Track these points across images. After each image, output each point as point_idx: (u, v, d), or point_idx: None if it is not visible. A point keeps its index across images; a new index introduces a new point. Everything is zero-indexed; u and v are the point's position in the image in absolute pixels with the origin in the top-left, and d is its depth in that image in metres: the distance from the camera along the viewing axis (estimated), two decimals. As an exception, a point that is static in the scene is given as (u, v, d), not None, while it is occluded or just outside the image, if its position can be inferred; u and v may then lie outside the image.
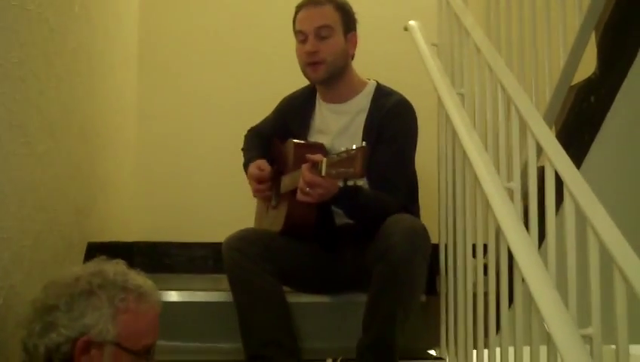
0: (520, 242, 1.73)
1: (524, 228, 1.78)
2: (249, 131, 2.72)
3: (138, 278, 1.51)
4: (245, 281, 2.21)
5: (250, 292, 2.20)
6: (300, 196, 2.08)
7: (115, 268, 1.50)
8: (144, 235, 3.45)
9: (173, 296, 2.48)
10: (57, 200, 2.14)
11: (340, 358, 1.76)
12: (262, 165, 2.46)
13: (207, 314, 2.45)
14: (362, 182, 2.23)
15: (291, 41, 2.46)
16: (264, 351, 2.13)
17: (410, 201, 2.42)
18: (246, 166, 2.55)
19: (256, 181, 2.44)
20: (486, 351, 2.05)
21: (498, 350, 1.97)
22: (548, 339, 1.64)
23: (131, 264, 3.37)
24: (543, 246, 1.79)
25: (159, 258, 3.44)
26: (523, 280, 1.69)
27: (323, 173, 1.94)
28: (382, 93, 2.44)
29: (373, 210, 2.22)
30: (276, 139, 2.56)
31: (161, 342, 2.35)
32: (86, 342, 1.40)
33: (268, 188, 2.45)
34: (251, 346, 2.16)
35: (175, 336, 2.39)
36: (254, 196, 2.56)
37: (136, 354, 1.45)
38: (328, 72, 2.38)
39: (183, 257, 3.43)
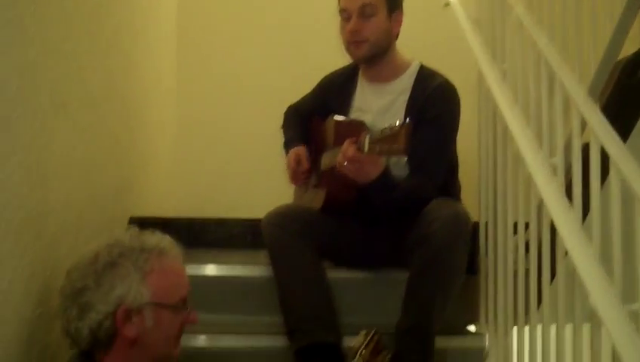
0: (563, 216, 1.71)
1: (567, 202, 1.75)
2: (288, 109, 2.71)
3: (153, 237, 1.52)
4: (285, 257, 2.23)
5: (291, 267, 2.21)
6: (341, 168, 2.05)
7: (129, 233, 1.52)
8: (182, 211, 3.49)
9: (211, 270, 2.51)
10: (99, 175, 2.17)
11: (375, 330, 1.75)
12: (301, 156, 2.47)
13: (245, 288, 2.47)
14: (404, 160, 2.22)
15: (333, 19, 2.45)
16: (304, 326, 2.14)
17: (450, 181, 2.41)
18: (285, 145, 2.56)
19: (294, 173, 2.47)
20: (527, 328, 2.03)
21: (539, 327, 1.95)
22: (592, 316, 1.62)
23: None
24: (586, 221, 1.76)
25: (197, 234, 3.45)
26: (566, 254, 1.67)
27: (365, 149, 1.92)
28: (425, 75, 2.42)
29: (411, 202, 2.21)
30: (316, 116, 2.56)
31: (199, 315, 2.43)
32: (125, 312, 1.42)
33: (305, 177, 2.45)
34: (291, 320, 2.18)
35: (214, 310, 2.40)
36: (292, 182, 2.56)
37: (175, 307, 1.47)
38: (371, 51, 2.36)
39: (221, 233, 3.44)
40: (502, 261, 2.23)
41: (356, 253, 2.39)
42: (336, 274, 2.36)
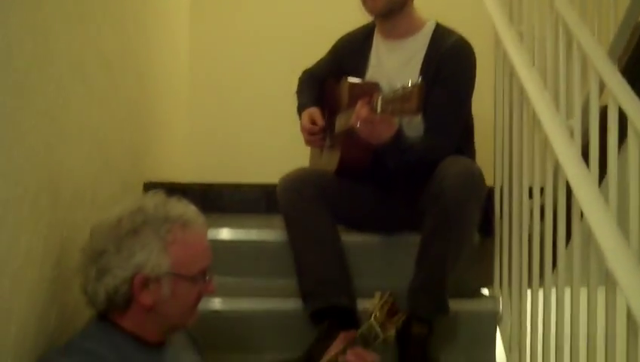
0: (579, 177, 1.71)
1: (584, 163, 1.74)
2: (303, 74, 2.69)
3: (179, 206, 1.50)
4: (300, 221, 2.23)
5: (306, 231, 2.22)
6: (355, 129, 2.04)
7: (155, 200, 1.50)
8: (197, 176, 3.49)
9: (226, 234, 2.52)
10: (114, 140, 2.17)
11: (389, 292, 1.76)
12: (315, 116, 2.45)
13: (260, 252, 2.49)
14: (418, 120, 2.21)
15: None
16: (319, 289, 2.16)
17: (465, 143, 2.39)
18: (299, 110, 2.55)
19: (308, 133, 2.44)
20: (541, 292, 2.04)
21: (553, 290, 1.95)
22: (606, 279, 1.62)
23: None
24: (603, 183, 1.75)
25: (212, 199, 3.46)
26: (582, 216, 1.67)
27: (379, 109, 1.91)
28: (441, 33, 2.39)
29: (423, 164, 2.20)
30: (331, 79, 2.54)
31: (214, 279, 2.45)
32: (142, 279, 1.42)
33: (320, 140, 2.45)
34: (306, 284, 2.20)
35: (229, 273, 2.41)
36: (307, 144, 2.56)
37: (194, 278, 1.48)
38: (387, 6, 2.34)
39: (236, 198, 3.45)
40: (517, 224, 2.23)
41: (371, 217, 2.39)
42: (350, 238, 2.38)
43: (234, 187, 3.40)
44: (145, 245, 1.43)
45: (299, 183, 2.27)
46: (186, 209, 1.51)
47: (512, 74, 2.24)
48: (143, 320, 1.46)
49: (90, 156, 1.89)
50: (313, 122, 2.45)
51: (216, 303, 2.26)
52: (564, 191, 1.85)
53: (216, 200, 3.44)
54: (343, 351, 1.63)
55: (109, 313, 1.47)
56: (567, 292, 1.88)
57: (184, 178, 3.43)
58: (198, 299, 1.52)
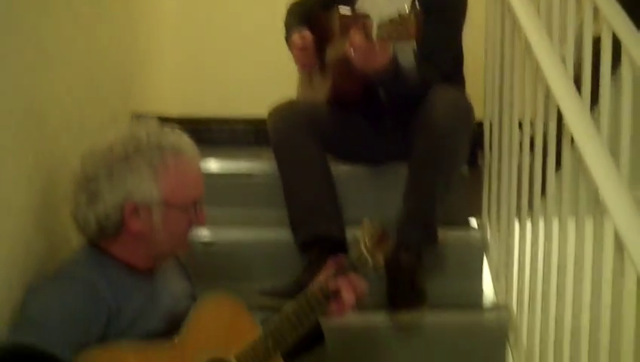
0: (571, 103, 1.70)
1: (575, 90, 1.73)
2: (291, 4, 2.64)
3: (172, 135, 1.48)
4: (290, 151, 2.23)
5: (295, 160, 2.22)
6: (348, 57, 2.01)
7: (148, 128, 1.47)
8: (185, 110, 3.44)
9: (214, 165, 2.52)
10: (101, 68, 2.13)
11: (378, 220, 1.77)
12: (305, 34, 2.40)
13: (249, 184, 2.50)
14: (410, 51, 2.18)
15: None
16: (308, 219, 2.17)
17: (454, 73, 2.37)
18: (288, 39, 2.50)
19: (299, 49, 2.38)
20: (529, 222, 2.05)
21: (541, 221, 1.96)
22: (595, 206, 1.62)
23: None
24: (595, 111, 1.75)
25: (200, 132, 3.42)
26: (572, 142, 1.67)
27: (374, 35, 1.87)
28: None
29: (417, 89, 2.18)
30: (319, 10, 2.49)
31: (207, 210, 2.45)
32: (133, 207, 1.41)
33: (312, 57, 2.40)
34: (296, 214, 2.20)
35: (217, 204, 2.35)
36: (299, 70, 2.52)
37: (184, 208, 1.47)
38: None
39: (225, 131, 3.44)
40: (506, 156, 2.24)
41: (361, 148, 2.39)
42: (340, 169, 2.37)
43: (222, 120, 3.40)
44: (136, 172, 1.42)
45: (289, 112, 2.25)
46: (179, 138, 1.49)
47: (503, 1, 2.21)
48: (133, 247, 1.46)
49: (76, 84, 1.86)
50: (303, 38, 2.38)
51: (206, 233, 2.26)
52: (555, 120, 1.85)
53: (205, 133, 3.41)
54: (333, 276, 1.64)
55: (100, 240, 1.46)
56: (556, 222, 1.89)
57: (172, 111, 3.39)
58: (189, 229, 1.51)
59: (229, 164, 2.56)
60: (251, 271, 2.27)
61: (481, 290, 2.33)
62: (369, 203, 2.42)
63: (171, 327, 1.44)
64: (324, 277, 1.64)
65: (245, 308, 1.54)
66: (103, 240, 1.46)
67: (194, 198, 1.49)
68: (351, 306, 1.63)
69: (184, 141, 1.49)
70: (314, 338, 1.69)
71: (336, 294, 1.62)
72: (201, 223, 1.52)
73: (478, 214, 2.48)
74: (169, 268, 1.61)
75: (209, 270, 2.20)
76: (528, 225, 2.06)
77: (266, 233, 2.32)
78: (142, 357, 1.35)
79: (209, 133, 3.36)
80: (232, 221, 2.38)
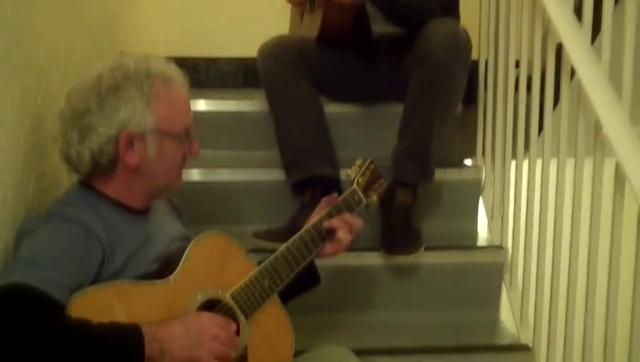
0: (572, 33, 1.65)
1: (576, 20, 1.68)
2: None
3: (160, 63, 1.44)
4: (281, 88, 2.17)
5: (287, 99, 2.17)
6: None
7: (134, 57, 1.43)
8: (172, 50, 3.35)
9: (203, 106, 2.47)
10: (87, 5, 2.06)
11: (371, 159, 1.74)
12: None
13: (239, 124, 2.46)
14: None
15: None
16: (301, 159, 2.13)
17: (450, 9, 2.30)
18: None
19: None
20: (526, 162, 2.03)
21: (539, 161, 1.94)
22: (595, 137, 1.59)
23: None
24: (596, 41, 1.71)
25: (188, 73, 3.36)
26: (572, 74, 1.63)
27: None
28: None
29: (414, 10, 2.11)
30: None
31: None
32: (128, 136, 1.37)
33: None
34: (288, 153, 2.16)
35: (208, 145, 2.32)
36: (290, 8, 2.45)
37: (178, 136, 1.43)
38: None
39: (212, 72, 3.37)
40: (502, 93, 2.20)
41: (354, 86, 2.33)
42: (333, 109, 2.34)
43: (209, 61, 3.32)
44: (128, 100, 1.38)
45: (279, 50, 2.19)
46: (167, 65, 1.45)
47: None
48: (128, 184, 1.42)
49: (62, 17, 1.79)
50: None
51: (195, 174, 2.23)
52: (554, 54, 1.81)
53: (192, 74, 3.34)
54: (328, 216, 1.61)
55: (92, 179, 1.42)
56: (553, 162, 1.87)
57: (159, 51, 3.31)
58: (183, 160, 1.48)
59: (217, 104, 2.50)
60: (244, 214, 2.24)
61: (476, 230, 2.32)
62: (363, 143, 2.39)
63: (165, 268, 1.41)
64: (318, 217, 1.61)
65: (241, 248, 1.52)
66: (97, 178, 1.42)
67: (186, 126, 1.45)
68: (346, 245, 1.62)
69: (172, 68, 1.46)
70: (309, 278, 1.67)
71: (331, 233, 1.60)
72: (195, 153, 1.49)
73: (473, 154, 2.46)
74: (163, 209, 1.58)
75: (200, 212, 2.17)
76: (525, 165, 2.04)
77: (258, 174, 2.27)
78: (137, 296, 1.33)
79: (196, 74, 3.30)
80: (222, 162, 2.35)
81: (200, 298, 1.39)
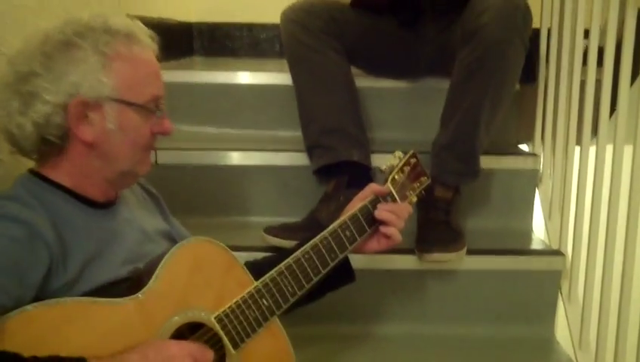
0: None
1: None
2: None
3: (123, 19, 1.20)
4: (305, 59, 1.90)
5: (311, 71, 1.90)
6: None
7: (90, 12, 1.19)
8: (204, 15, 3.16)
9: (223, 77, 2.22)
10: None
11: (413, 152, 1.46)
12: None
13: (262, 99, 2.20)
14: None
15: None
16: (325, 140, 1.85)
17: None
18: None
19: None
20: (593, 148, 1.73)
21: (609, 147, 1.66)
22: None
23: (191, 47, 3.10)
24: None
25: (221, 40, 3.17)
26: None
27: None
28: None
29: None
30: None
31: (210, 129, 2.16)
32: (80, 105, 1.12)
33: None
34: (311, 134, 1.89)
35: (228, 123, 2.18)
36: None
37: (143, 108, 1.17)
38: None
39: (247, 40, 3.15)
40: (567, 69, 1.93)
41: (392, 58, 2.05)
42: (367, 83, 2.08)
43: (244, 27, 3.16)
44: (80, 61, 1.13)
45: (305, 14, 1.90)
46: (131, 23, 1.19)
47: None
48: (84, 167, 1.16)
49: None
50: None
51: (203, 157, 1.99)
52: (634, 20, 1.54)
53: (225, 41, 3.17)
54: (372, 205, 1.37)
55: (43, 166, 1.18)
56: (628, 149, 1.60)
57: (189, 18, 3.09)
58: (151, 139, 1.21)
59: (242, 76, 2.22)
60: (257, 204, 1.99)
61: (531, 231, 2.02)
62: (402, 124, 2.14)
63: (138, 277, 1.15)
64: (362, 203, 1.39)
65: (235, 259, 1.23)
66: (48, 163, 1.17)
67: (154, 95, 1.19)
68: (397, 241, 1.41)
69: (138, 26, 1.19)
70: (341, 275, 1.43)
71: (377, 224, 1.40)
72: (166, 132, 1.22)
73: (530, 139, 2.16)
74: (135, 200, 1.32)
75: (206, 201, 1.97)
76: (592, 152, 1.75)
77: (277, 158, 2.00)
78: (93, 318, 1.06)
79: (229, 41, 3.17)
80: (233, 143, 2.10)
81: (177, 320, 1.12)
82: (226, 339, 1.15)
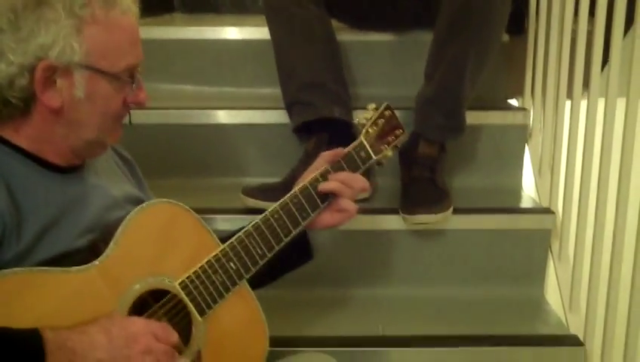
0: None
1: None
2: None
3: None
4: (283, 10, 1.81)
5: (289, 24, 1.80)
6: None
7: None
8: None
9: (200, 33, 2.14)
10: None
11: (386, 104, 1.37)
12: None
13: (245, 55, 2.11)
14: None
15: None
16: (304, 96, 1.77)
17: None
18: None
19: None
20: (585, 103, 1.65)
21: (601, 101, 1.58)
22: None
23: (171, 4, 3.00)
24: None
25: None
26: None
27: None
28: None
29: None
30: None
31: (187, 87, 2.08)
32: (47, 68, 1.03)
33: None
34: (290, 90, 1.80)
35: (205, 80, 2.10)
36: None
37: (117, 78, 1.08)
38: None
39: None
40: (557, 18, 1.84)
41: (374, 9, 1.97)
42: (349, 37, 2.00)
43: None
44: (52, 21, 1.04)
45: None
46: None
47: None
48: (48, 132, 1.08)
49: None
50: None
51: (180, 116, 1.91)
52: None
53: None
54: (323, 176, 1.25)
55: (3, 127, 1.09)
56: (621, 102, 1.52)
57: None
58: (124, 110, 1.13)
59: (219, 32, 2.14)
60: (235, 164, 1.92)
61: (520, 188, 1.95)
62: (386, 78, 2.05)
63: (99, 245, 1.08)
64: (311, 175, 1.25)
65: (200, 221, 1.16)
66: (8, 124, 1.08)
67: (129, 65, 1.10)
68: (353, 214, 1.28)
69: None
70: (298, 253, 1.32)
71: (327, 198, 1.25)
72: (140, 103, 1.14)
73: (520, 93, 2.08)
74: (105, 165, 1.24)
75: (184, 162, 1.89)
76: (583, 106, 1.67)
77: (256, 115, 1.92)
78: (46, 289, 0.99)
79: None
80: (210, 101, 2.02)
81: (138, 288, 1.05)
82: (191, 306, 1.08)
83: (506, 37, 1.96)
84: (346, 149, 1.30)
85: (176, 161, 1.89)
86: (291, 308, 1.62)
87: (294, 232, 1.22)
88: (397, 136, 1.37)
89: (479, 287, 1.74)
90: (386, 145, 1.36)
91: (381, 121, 1.36)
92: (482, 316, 1.66)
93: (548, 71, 1.87)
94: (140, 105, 1.15)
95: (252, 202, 1.65)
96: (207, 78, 2.08)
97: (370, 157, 1.31)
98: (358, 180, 1.28)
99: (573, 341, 1.55)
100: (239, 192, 1.70)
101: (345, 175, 1.27)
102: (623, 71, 1.50)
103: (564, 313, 1.66)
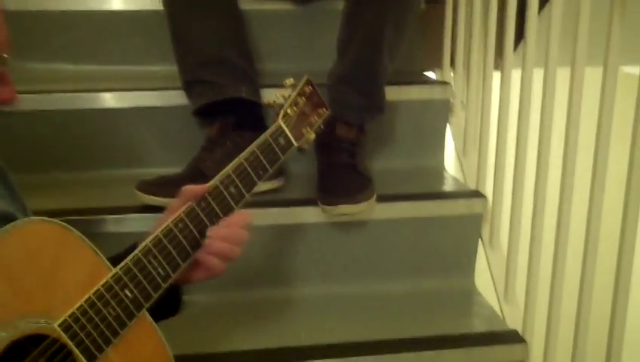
0: None
1: None
2: None
3: None
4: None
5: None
6: None
7: None
8: None
9: (85, 3, 1.88)
10: None
11: (307, 78, 1.18)
12: None
13: (133, 28, 1.89)
14: None
15: None
16: (205, 74, 1.55)
17: None
18: None
19: None
20: (517, 72, 1.48)
21: (538, 71, 1.40)
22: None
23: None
24: None
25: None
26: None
27: None
28: None
29: None
30: None
31: (67, 66, 1.84)
32: None
33: None
34: (188, 68, 1.59)
35: (88, 57, 1.86)
36: None
37: None
38: None
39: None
40: None
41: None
42: (254, 6, 1.84)
43: None
44: None
45: None
46: None
47: None
48: None
49: None
50: None
51: (61, 101, 1.66)
52: None
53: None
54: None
55: None
56: (562, 72, 1.35)
57: None
58: None
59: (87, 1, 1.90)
60: (127, 154, 1.70)
61: (443, 168, 1.81)
62: (297, 52, 1.91)
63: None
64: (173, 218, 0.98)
65: (85, 242, 0.91)
66: None
67: None
68: (219, 272, 1.03)
69: None
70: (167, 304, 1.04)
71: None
72: (6, 102, 0.91)
73: (439, 65, 1.93)
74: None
75: (62, 154, 1.66)
76: (516, 76, 1.50)
77: (149, 96, 1.69)
78: None
79: None
80: (95, 82, 1.79)
81: (5, 337, 0.82)
82: (77, 352, 0.85)
83: (422, 3, 1.80)
84: (262, 137, 1.10)
85: (57, 152, 1.64)
86: (194, 320, 1.41)
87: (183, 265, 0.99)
88: (320, 116, 1.19)
89: (407, 280, 1.58)
90: (308, 128, 1.17)
91: (301, 100, 1.17)
92: (411, 311, 1.50)
93: (472, 38, 1.72)
94: (7, 104, 0.92)
95: (148, 199, 1.43)
96: (90, 55, 1.85)
97: (292, 144, 1.12)
98: (242, 235, 1.03)
99: (511, 337, 1.41)
100: (133, 187, 1.48)
101: (227, 231, 1.00)
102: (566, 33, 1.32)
103: (499, 304, 1.52)
